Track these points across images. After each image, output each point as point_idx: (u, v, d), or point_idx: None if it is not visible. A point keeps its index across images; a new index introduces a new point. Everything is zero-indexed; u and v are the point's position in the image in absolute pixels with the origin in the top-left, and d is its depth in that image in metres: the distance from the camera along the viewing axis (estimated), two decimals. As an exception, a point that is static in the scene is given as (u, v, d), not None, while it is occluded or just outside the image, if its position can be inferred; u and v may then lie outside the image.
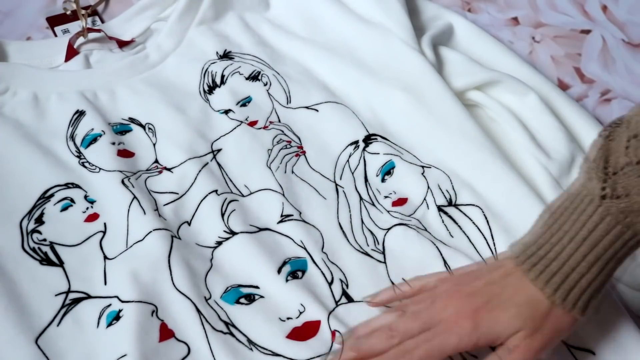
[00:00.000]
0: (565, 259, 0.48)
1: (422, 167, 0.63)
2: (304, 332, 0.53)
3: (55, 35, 0.75)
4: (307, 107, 0.68)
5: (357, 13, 0.73)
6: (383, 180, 0.63)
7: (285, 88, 0.69)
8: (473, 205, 0.61)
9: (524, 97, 0.68)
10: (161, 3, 0.75)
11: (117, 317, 0.53)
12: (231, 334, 0.53)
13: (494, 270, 0.51)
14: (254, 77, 0.70)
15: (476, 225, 0.60)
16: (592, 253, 0.47)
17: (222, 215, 0.59)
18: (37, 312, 0.53)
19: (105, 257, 0.56)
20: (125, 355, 0.50)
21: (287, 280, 0.55)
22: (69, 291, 0.54)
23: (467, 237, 0.59)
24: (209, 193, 0.60)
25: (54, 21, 0.76)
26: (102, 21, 0.77)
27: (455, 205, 0.61)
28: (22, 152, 0.61)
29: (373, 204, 0.61)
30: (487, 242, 0.59)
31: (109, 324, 0.52)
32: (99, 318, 0.53)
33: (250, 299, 0.55)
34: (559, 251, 0.48)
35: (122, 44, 0.73)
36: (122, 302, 0.53)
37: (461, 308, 0.49)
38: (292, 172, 0.63)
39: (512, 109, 0.68)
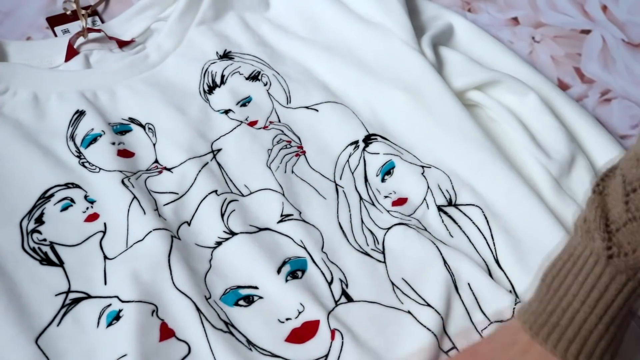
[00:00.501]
0: (580, 323, 0.46)
1: (422, 167, 0.63)
2: (303, 333, 0.53)
3: (55, 35, 0.75)
4: (307, 107, 0.68)
5: (357, 13, 0.73)
6: (383, 180, 0.63)
7: (285, 88, 0.69)
8: (473, 205, 0.61)
9: (524, 97, 0.68)
10: (161, 3, 0.75)
11: (117, 317, 0.53)
12: (231, 333, 0.53)
13: (510, 348, 0.48)
14: (254, 77, 0.70)
15: (476, 226, 0.60)
16: (607, 314, 0.45)
17: (222, 215, 0.59)
18: (37, 312, 0.53)
19: (106, 257, 0.56)
20: (125, 355, 0.50)
21: (286, 281, 0.55)
22: (69, 291, 0.54)
23: (467, 237, 0.59)
24: (209, 193, 0.60)
25: (54, 21, 0.76)
26: (102, 21, 0.77)
27: (455, 205, 0.61)
28: (22, 152, 0.61)
29: (373, 204, 0.61)
30: (487, 242, 0.59)
31: (109, 324, 0.52)
32: (99, 318, 0.53)
33: (249, 300, 0.55)
34: (572, 316, 0.46)
35: (122, 44, 0.73)
36: (122, 302, 0.53)
37: None
38: (292, 172, 0.63)
39: (512, 109, 0.68)
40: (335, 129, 0.66)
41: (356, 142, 0.65)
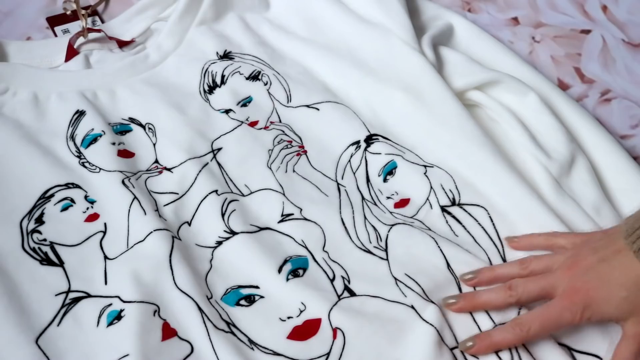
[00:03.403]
0: None
1: (425, 166, 0.63)
2: (305, 330, 0.53)
3: (55, 35, 0.75)
4: (307, 106, 0.68)
5: (358, 13, 0.73)
6: (385, 180, 0.63)
7: (285, 87, 0.69)
8: (477, 205, 0.60)
9: (524, 97, 0.68)
10: (161, 3, 0.75)
11: (118, 316, 0.52)
12: (232, 333, 0.53)
13: (610, 244, 0.51)
14: (254, 76, 0.70)
15: (481, 226, 0.59)
16: None
17: (223, 215, 0.58)
18: (37, 312, 0.52)
19: (106, 257, 0.56)
20: (127, 355, 0.50)
21: (287, 279, 0.55)
22: (69, 291, 0.54)
23: (472, 237, 0.59)
24: (209, 193, 0.60)
25: (54, 21, 0.76)
26: (102, 21, 0.77)
27: (460, 205, 0.61)
28: (22, 152, 0.61)
29: (375, 205, 0.61)
30: (494, 243, 0.59)
31: (110, 324, 0.52)
32: (99, 317, 0.53)
33: (251, 300, 0.55)
34: None
35: (122, 44, 0.73)
36: (124, 302, 0.53)
37: (576, 284, 0.51)
38: (294, 170, 0.63)
39: (512, 109, 0.68)
40: (337, 129, 0.66)
41: (358, 142, 0.65)
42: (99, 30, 0.74)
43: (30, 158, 0.61)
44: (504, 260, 0.58)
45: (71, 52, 0.71)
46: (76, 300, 0.54)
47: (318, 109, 0.67)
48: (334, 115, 0.67)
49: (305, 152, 0.65)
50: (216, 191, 0.60)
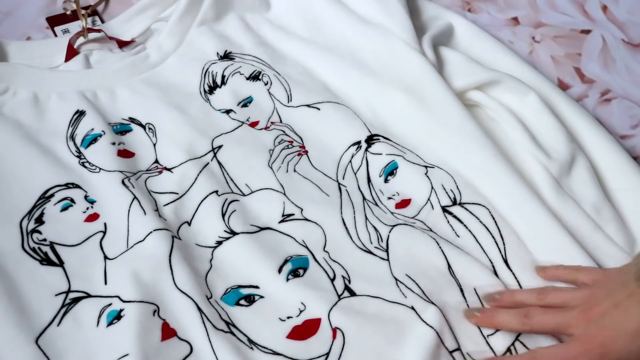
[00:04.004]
0: None
1: (426, 167, 0.63)
2: (305, 330, 0.53)
3: (55, 35, 0.75)
4: (308, 106, 0.68)
5: (358, 14, 0.73)
6: (386, 180, 0.63)
7: (286, 87, 0.69)
8: (479, 205, 0.60)
9: (524, 97, 0.68)
10: (161, 3, 0.75)
11: (118, 316, 0.52)
12: (232, 333, 0.53)
13: (623, 287, 0.50)
14: (255, 77, 0.70)
15: (484, 225, 0.59)
16: None
17: (223, 215, 0.58)
18: (37, 312, 0.52)
19: (106, 257, 0.56)
20: (127, 354, 0.50)
21: (287, 280, 0.55)
22: (69, 291, 0.54)
23: (474, 236, 0.59)
24: (210, 194, 0.60)
25: (54, 21, 0.76)
26: (102, 21, 0.77)
27: (461, 204, 0.61)
28: (22, 152, 0.61)
29: (376, 205, 0.61)
30: (496, 242, 0.59)
31: (110, 323, 0.52)
32: (99, 317, 0.53)
33: (250, 300, 0.55)
34: None
35: (122, 44, 0.73)
36: (124, 301, 0.53)
37: (591, 332, 0.50)
38: (295, 170, 0.63)
39: (512, 109, 0.68)
40: (337, 129, 0.66)
41: (358, 143, 0.65)
42: (99, 30, 0.74)
43: (30, 158, 0.61)
44: (506, 261, 0.58)
45: (71, 52, 0.71)
46: (76, 300, 0.54)
47: (319, 109, 0.67)
48: (335, 115, 0.67)
49: (306, 152, 0.65)
50: (217, 192, 0.60)
